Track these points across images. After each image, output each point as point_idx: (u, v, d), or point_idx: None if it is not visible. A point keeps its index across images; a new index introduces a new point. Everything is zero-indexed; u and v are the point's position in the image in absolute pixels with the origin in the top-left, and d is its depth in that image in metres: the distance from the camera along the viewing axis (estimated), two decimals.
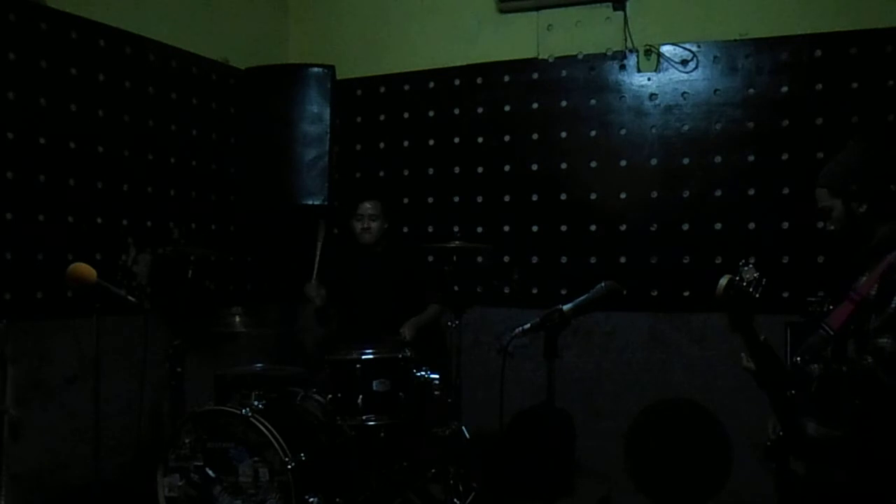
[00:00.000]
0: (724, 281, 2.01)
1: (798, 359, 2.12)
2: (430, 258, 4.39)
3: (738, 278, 2.02)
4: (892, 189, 2.12)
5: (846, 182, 2.14)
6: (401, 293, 4.01)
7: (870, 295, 1.97)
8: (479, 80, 4.38)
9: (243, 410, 2.96)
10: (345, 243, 4.28)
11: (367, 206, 4.00)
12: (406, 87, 4.55)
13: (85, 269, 2.63)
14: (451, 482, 3.49)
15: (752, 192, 3.85)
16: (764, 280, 2.03)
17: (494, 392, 2.54)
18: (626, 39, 4.07)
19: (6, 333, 3.11)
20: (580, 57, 4.17)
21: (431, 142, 4.50)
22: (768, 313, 3.42)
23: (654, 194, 4.03)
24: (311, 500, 2.90)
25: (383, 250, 4.10)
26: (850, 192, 2.12)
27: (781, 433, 2.12)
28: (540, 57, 4.25)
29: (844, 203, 2.13)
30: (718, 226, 3.91)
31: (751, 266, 2.04)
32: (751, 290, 2.01)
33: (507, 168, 4.33)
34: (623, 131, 4.09)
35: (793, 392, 2.10)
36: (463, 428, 3.63)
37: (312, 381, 3.51)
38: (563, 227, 4.21)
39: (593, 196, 4.15)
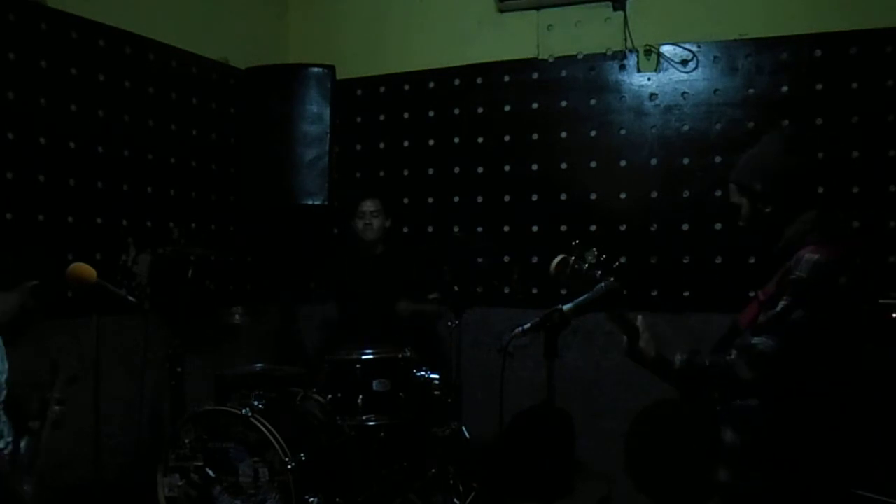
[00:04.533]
0: (557, 259, 2.02)
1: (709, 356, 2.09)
2: (430, 258, 4.38)
3: (572, 258, 1.99)
4: (800, 190, 1.98)
5: (752, 181, 2.02)
6: (400, 294, 4.01)
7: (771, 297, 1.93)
8: (478, 80, 4.37)
9: (243, 410, 2.96)
10: (344, 244, 4.27)
11: (369, 204, 4.04)
12: (406, 87, 4.54)
13: (85, 269, 2.63)
14: (451, 482, 3.49)
15: None
16: (609, 261, 2.04)
17: (494, 392, 2.53)
18: (625, 39, 4.07)
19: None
20: (580, 57, 4.17)
21: (431, 142, 4.50)
22: None
23: (654, 194, 4.03)
24: (311, 500, 2.90)
25: (383, 251, 4.11)
26: (756, 192, 2.01)
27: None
28: (540, 57, 4.24)
29: (750, 202, 2.03)
30: (718, 226, 3.90)
31: (593, 250, 2.05)
32: (597, 273, 2.02)
33: (507, 168, 4.32)
34: (623, 131, 4.09)
35: (718, 407, 2.07)
36: (463, 428, 3.63)
37: (312, 381, 3.52)
38: (563, 227, 4.20)
39: (593, 196, 4.14)
